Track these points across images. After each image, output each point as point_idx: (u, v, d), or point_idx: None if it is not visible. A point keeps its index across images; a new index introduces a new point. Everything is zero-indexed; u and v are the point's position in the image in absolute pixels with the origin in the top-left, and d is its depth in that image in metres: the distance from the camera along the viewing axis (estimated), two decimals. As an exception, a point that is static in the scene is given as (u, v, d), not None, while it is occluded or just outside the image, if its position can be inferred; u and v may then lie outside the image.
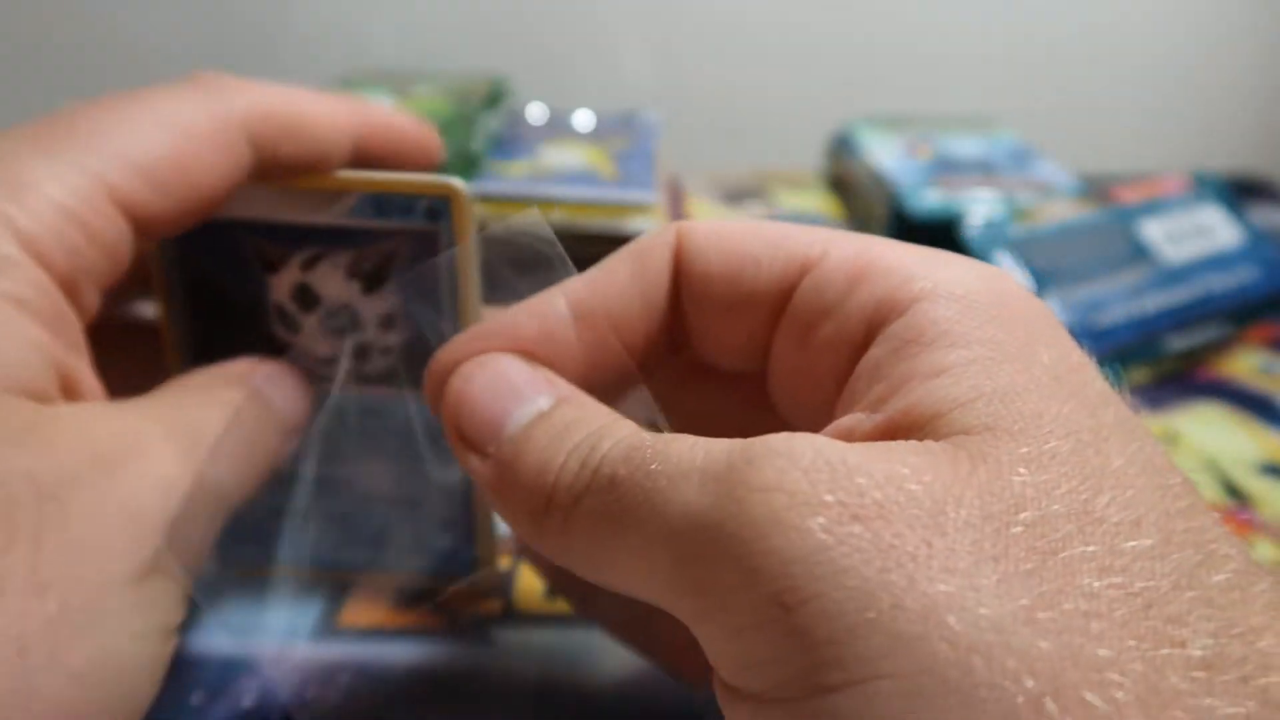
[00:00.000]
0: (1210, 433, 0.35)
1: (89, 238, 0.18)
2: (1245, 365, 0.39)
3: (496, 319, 0.18)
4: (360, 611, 0.25)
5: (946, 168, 0.50)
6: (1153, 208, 0.42)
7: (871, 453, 0.13)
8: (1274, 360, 0.39)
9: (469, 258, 0.21)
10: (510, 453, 0.16)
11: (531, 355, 0.17)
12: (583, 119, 0.51)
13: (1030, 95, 0.71)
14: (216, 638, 0.24)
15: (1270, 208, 0.56)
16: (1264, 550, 0.29)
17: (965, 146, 0.53)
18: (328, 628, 0.24)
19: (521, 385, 0.16)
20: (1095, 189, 0.47)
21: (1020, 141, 0.54)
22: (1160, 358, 0.38)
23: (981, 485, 0.12)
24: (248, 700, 0.22)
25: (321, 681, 0.22)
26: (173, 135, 0.19)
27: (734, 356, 0.18)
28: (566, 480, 0.15)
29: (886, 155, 0.51)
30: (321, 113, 0.21)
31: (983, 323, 0.14)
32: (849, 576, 0.11)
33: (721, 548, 0.12)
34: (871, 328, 0.15)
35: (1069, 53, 0.72)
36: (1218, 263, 0.40)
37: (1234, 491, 0.32)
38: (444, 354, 0.18)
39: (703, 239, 0.18)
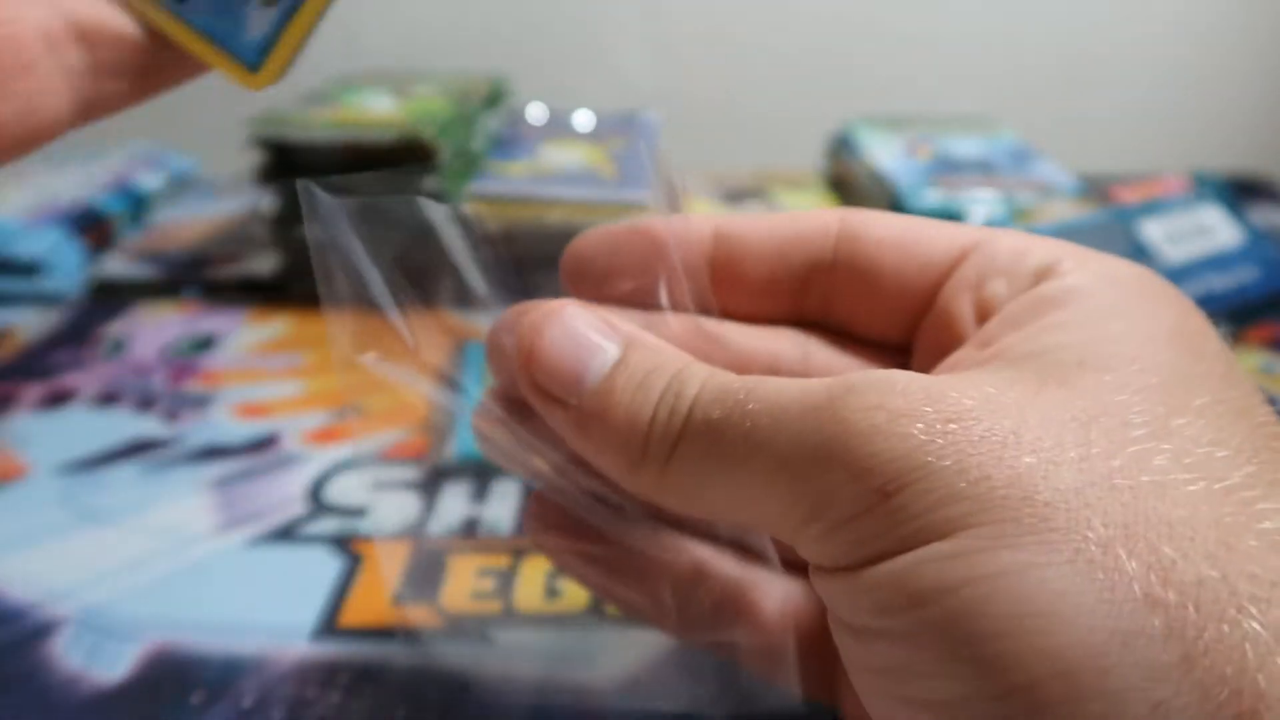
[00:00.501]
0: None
1: None
2: (1245, 365, 0.39)
3: (641, 220, 0.19)
4: (360, 611, 0.25)
5: (946, 168, 0.50)
6: (1153, 208, 0.42)
7: (962, 378, 0.14)
8: (1274, 360, 0.39)
9: None
10: (595, 405, 0.16)
11: (662, 259, 0.18)
12: (583, 119, 0.51)
13: (1030, 95, 0.71)
14: (216, 638, 0.24)
15: (1270, 208, 0.56)
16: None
17: (965, 147, 0.53)
18: (328, 628, 0.24)
19: (591, 335, 0.17)
20: (1095, 189, 0.47)
21: (1020, 141, 0.54)
22: (1160, 358, 0.38)
23: (1062, 398, 0.14)
24: (248, 700, 0.22)
25: (321, 681, 0.22)
26: None
27: (886, 322, 0.19)
28: (659, 429, 0.15)
29: (886, 155, 0.51)
30: None
31: (1114, 292, 0.16)
32: (944, 460, 0.13)
33: (830, 461, 0.13)
34: (1036, 283, 0.17)
35: (1069, 53, 0.72)
36: (1218, 263, 0.40)
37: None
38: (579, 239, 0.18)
39: (874, 215, 0.19)
